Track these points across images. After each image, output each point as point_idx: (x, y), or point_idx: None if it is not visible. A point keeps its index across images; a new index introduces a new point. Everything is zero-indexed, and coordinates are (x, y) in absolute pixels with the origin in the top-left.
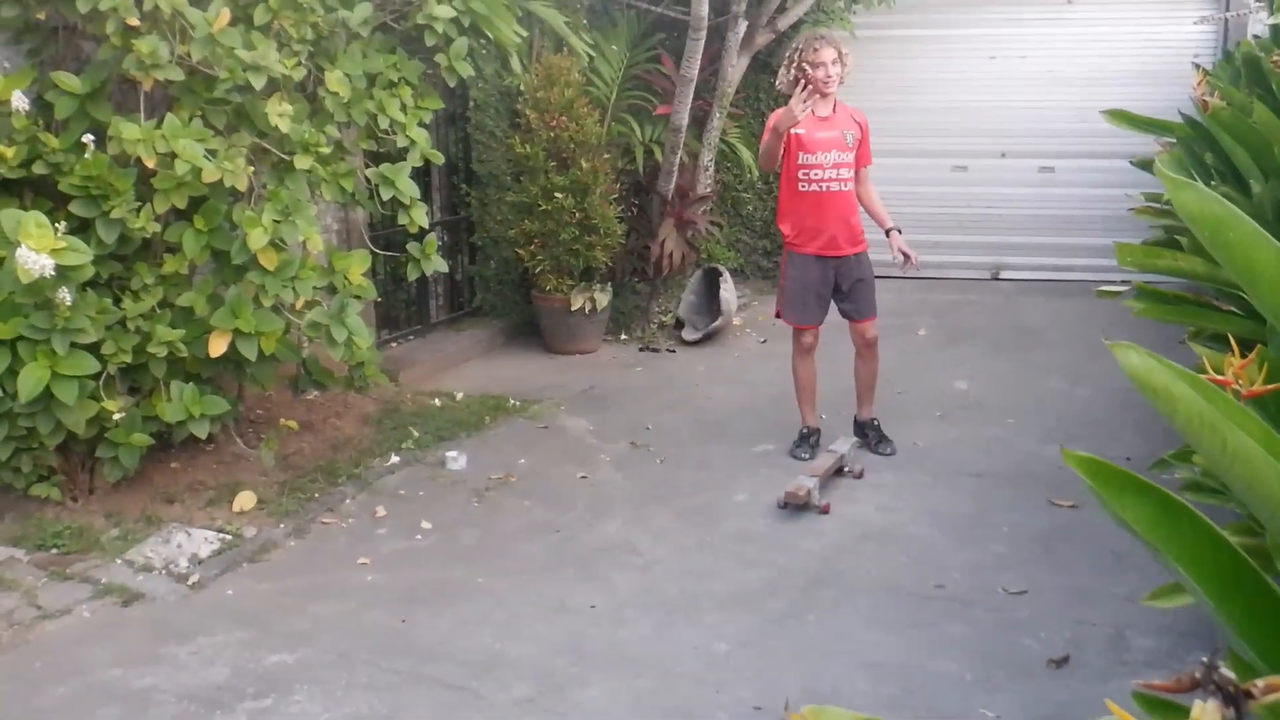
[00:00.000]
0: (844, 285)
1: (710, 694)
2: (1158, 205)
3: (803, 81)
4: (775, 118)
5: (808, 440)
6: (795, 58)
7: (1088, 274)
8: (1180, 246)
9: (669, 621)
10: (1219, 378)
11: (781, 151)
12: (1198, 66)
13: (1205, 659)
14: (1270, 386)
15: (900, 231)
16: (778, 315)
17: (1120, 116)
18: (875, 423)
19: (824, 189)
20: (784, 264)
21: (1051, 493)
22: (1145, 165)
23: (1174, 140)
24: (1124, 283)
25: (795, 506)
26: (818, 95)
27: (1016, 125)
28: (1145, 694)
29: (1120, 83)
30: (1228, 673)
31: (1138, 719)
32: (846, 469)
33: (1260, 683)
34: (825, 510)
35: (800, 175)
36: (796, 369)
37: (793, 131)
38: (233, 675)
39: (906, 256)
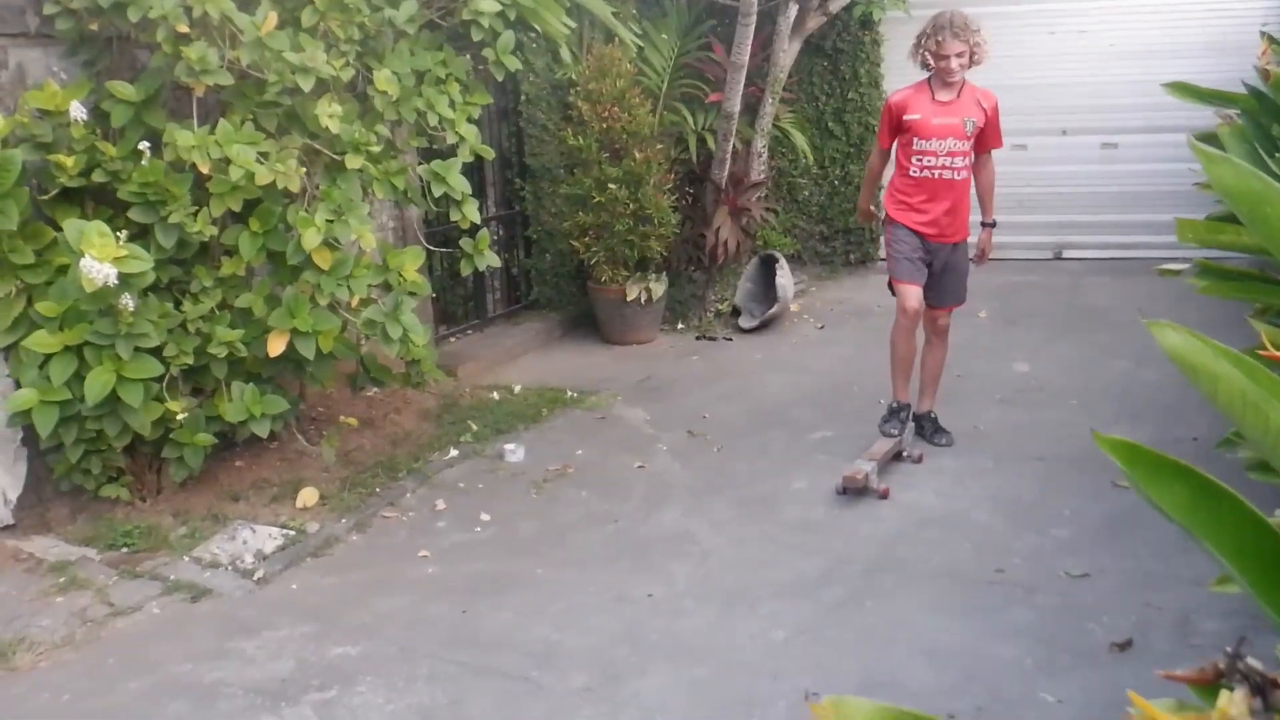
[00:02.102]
0: (935, 267)
1: (768, 683)
2: None
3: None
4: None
5: (897, 415)
6: (922, 41)
7: (1152, 251)
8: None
9: (727, 610)
10: (1277, 354)
11: (895, 137)
12: (1265, 35)
13: (1229, 649)
14: None
15: (994, 226)
16: (890, 286)
17: (1182, 89)
18: (933, 415)
19: (935, 176)
20: (888, 234)
21: (1116, 476)
22: (1209, 139)
23: (1236, 113)
24: (1186, 260)
25: (854, 491)
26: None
27: (1077, 101)
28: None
29: (1184, 55)
30: (1254, 662)
31: (1189, 703)
32: (905, 454)
33: None
34: (884, 494)
35: (913, 160)
36: (896, 340)
37: (907, 117)
38: (298, 668)
39: (982, 253)
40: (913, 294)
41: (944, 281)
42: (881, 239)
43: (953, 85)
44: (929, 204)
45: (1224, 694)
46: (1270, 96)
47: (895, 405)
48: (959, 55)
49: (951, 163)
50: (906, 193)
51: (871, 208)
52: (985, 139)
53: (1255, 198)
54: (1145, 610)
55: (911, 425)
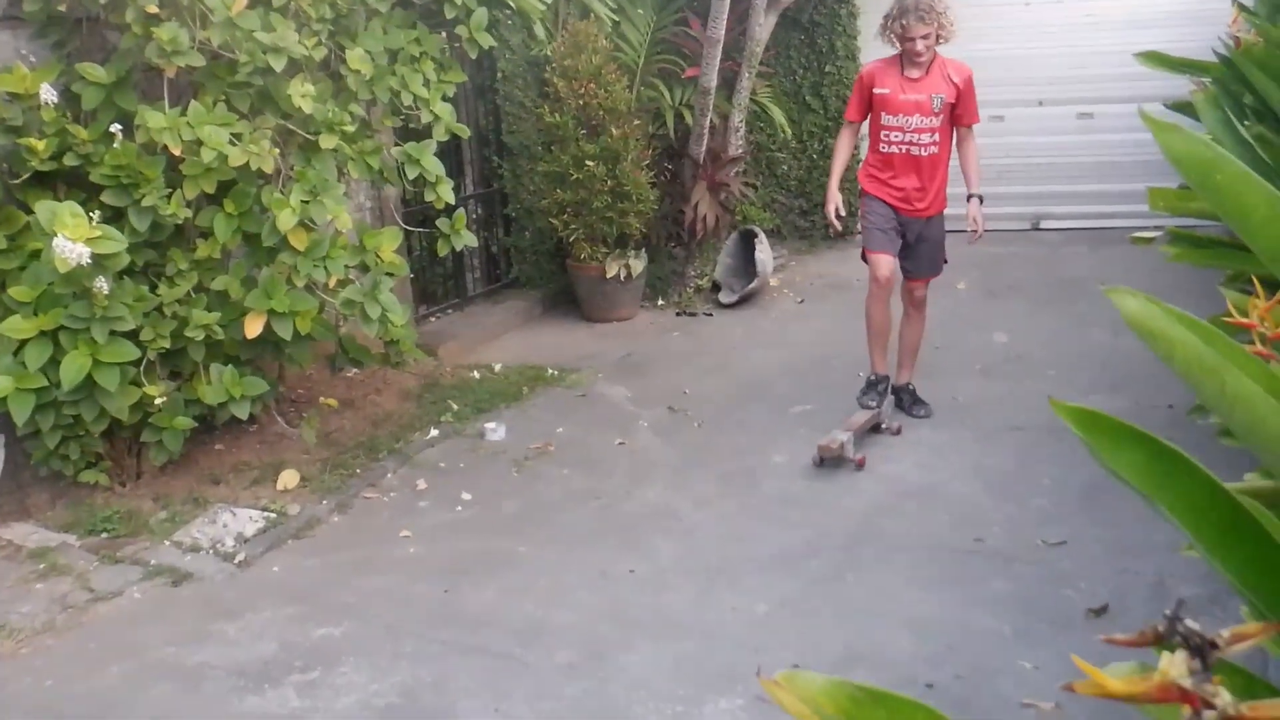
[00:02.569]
0: (909, 238)
1: (751, 656)
2: None
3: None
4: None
5: (875, 387)
6: (888, 23)
7: (1129, 221)
8: None
9: (710, 585)
10: (1243, 320)
11: (866, 111)
12: (1236, 3)
13: (1168, 612)
14: None
15: (982, 200)
16: (864, 257)
17: (1155, 58)
18: (911, 387)
19: (902, 152)
20: (862, 208)
21: None
22: (1181, 108)
23: (1209, 80)
24: (1159, 228)
25: (830, 460)
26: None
27: (1053, 72)
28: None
29: (1160, 24)
30: (1192, 624)
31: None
32: (884, 426)
33: (1225, 633)
34: (860, 464)
35: (882, 135)
36: (870, 311)
37: (876, 90)
38: (281, 649)
39: (975, 228)
40: (884, 263)
41: (918, 252)
42: (859, 212)
43: (921, 63)
44: (898, 179)
45: (1164, 655)
46: (1239, 64)
47: (873, 377)
48: (924, 37)
49: (919, 139)
50: (877, 167)
51: (835, 218)
52: (960, 114)
53: (1204, 165)
54: (1121, 576)
55: (890, 398)
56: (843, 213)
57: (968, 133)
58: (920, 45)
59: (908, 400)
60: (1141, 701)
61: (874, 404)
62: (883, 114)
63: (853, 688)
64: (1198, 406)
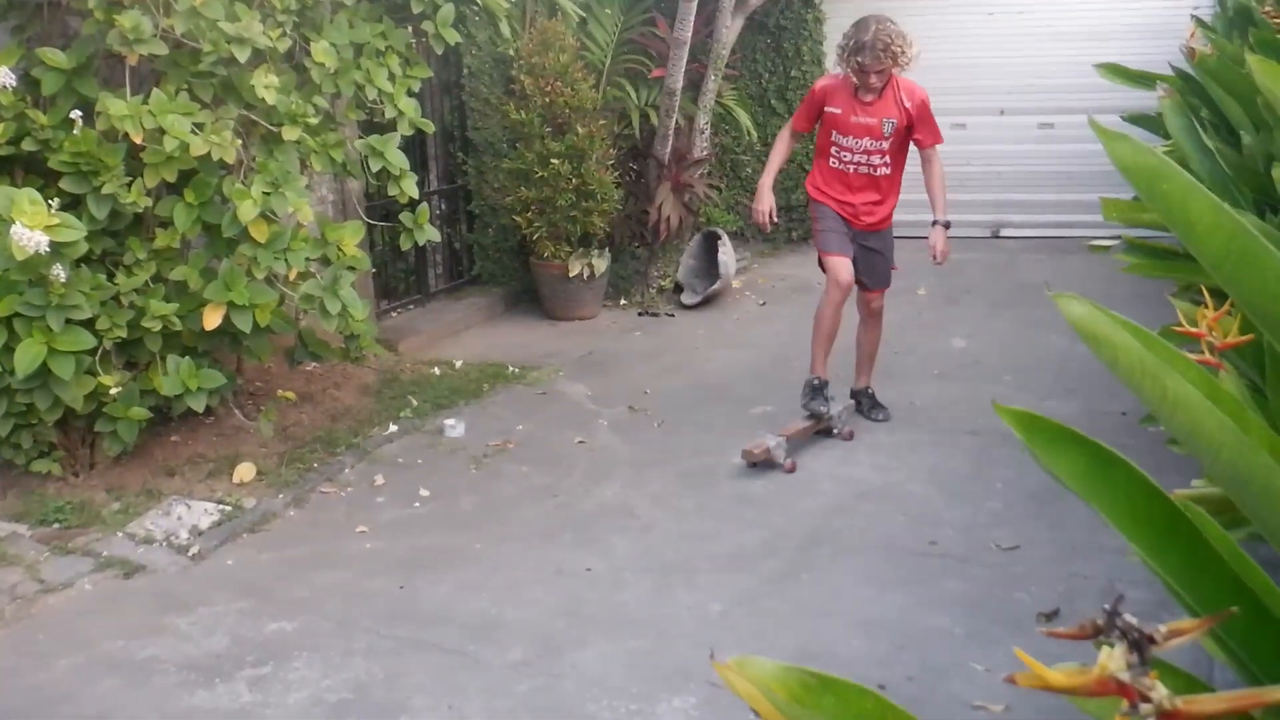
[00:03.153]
0: (858, 247)
1: (705, 654)
2: None
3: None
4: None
5: (821, 392)
6: (844, 55)
7: (1087, 230)
8: None
9: (666, 583)
10: (1192, 330)
11: (814, 124)
12: (1194, 18)
13: (1107, 606)
14: (1243, 339)
15: (948, 226)
16: (820, 261)
17: (1113, 70)
18: (870, 391)
19: (851, 170)
20: (813, 212)
21: None
22: (1137, 120)
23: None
24: (1115, 238)
25: (760, 464)
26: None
27: (1015, 82)
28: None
29: (1120, 37)
30: (1130, 619)
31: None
32: (836, 431)
33: (1163, 628)
34: (791, 469)
35: (831, 151)
36: (824, 314)
37: (828, 109)
38: (233, 644)
39: (935, 252)
40: (844, 266)
41: (872, 265)
42: (810, 215)
43: (875, 88)
44: (848, 194)
45: (1104, 649)
46: (1195, 76)
47: (816, 381)
48: (879, 73)
49: (869, 160)
50: (826, 181)
51: (768, 219)
52: (918, 137)
53: (1151, 174)
54: (1072, 580)
55: (850, 402)
56: (775, 218)
57: (931, 154)
58: (874, 80)
59: (866, 404)
60: (1081, 694)
61: (823, 409)
62: (833, 132)
63: (803, 673)
64: (1149, 414)
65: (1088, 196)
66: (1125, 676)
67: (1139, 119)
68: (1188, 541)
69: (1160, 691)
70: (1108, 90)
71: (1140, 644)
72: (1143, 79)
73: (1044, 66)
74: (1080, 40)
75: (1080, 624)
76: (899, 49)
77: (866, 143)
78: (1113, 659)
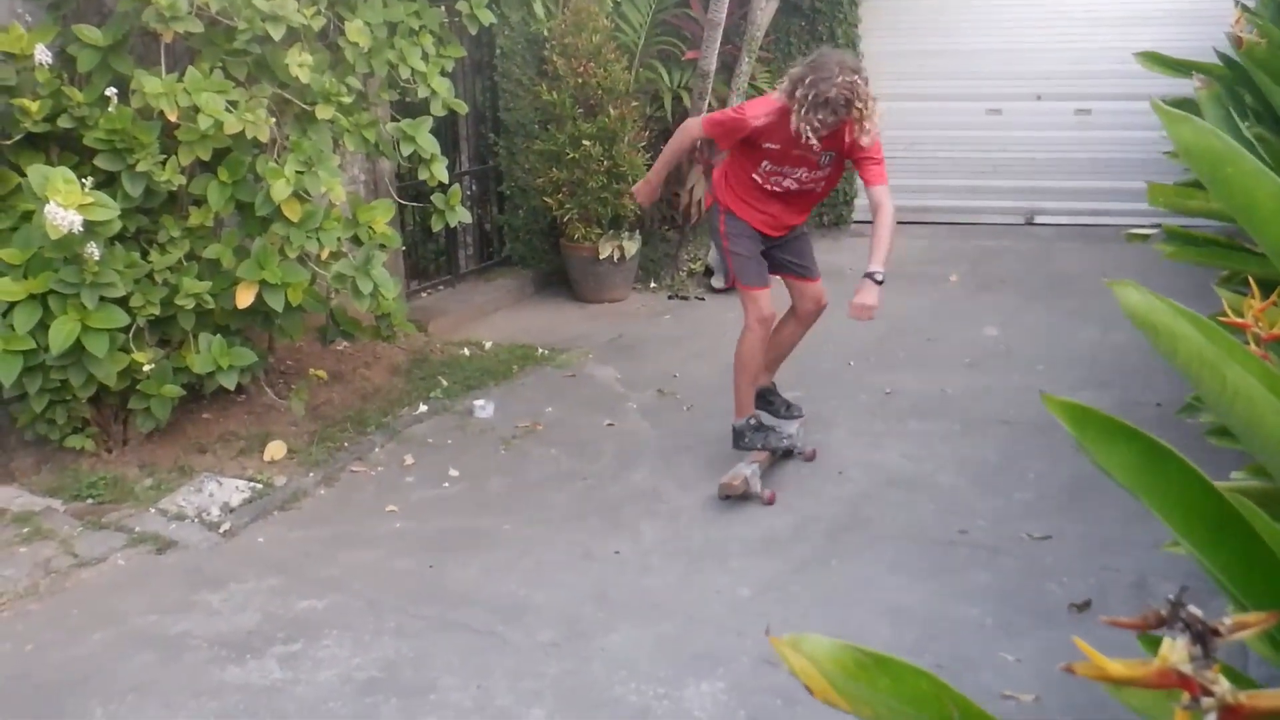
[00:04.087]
0: (776, 245)
1: (733, 639)
2: None
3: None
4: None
5: (765, 426)
6: (804, 110)
7: (1123, 219)
8: None
9: (694, 568)
10: (1238, 320)
11: (736, 138)
12: (1239, 4)
13: (1171, 597)
14: None
15: (879, 283)
16: (731, 284)
17: (1152, 58)
18: (774, 385)
19: (783, 188)
20: (723, 225)
21: None
22: (1181, 105)
23: (1212, 79)
24: (1154, 226)
25: (735, 497)
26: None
27: (1053, 67)
28: (1151, 636)
29: (1161, 22)
30: (1195, 610)
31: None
32: (797, 451)
33: (1228, 620)
34: (770, 501)
35: (758, 171)
36: (750, 354)
37: (765, 144)
38: (264, 621)
39: (858, 306)
40: (767, 299)
41: (802, 249)
42: (721, 231)
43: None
44: (773, 203)
45: (1166, 641)
46: (1242, 64)
47: (755, 422)
48: (832, 136)
49: (801, 185)
50: (753, 196)
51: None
52: (865, 176)
53: (1215, 157)
54: (1103, 573)
55: (799, 419)
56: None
57: (880, 195)
58: (818, 145)
59: (780, 403)
60: (1141, 686)
61: (786, 440)
62: (765, 161)
63: (859, 652)
64: (1187, 405)
65: (1124, 184)
66: (1188, 669)
67: (1182, 104)
68: (1238, 536)
69: (1223, 685)
70: (1147, 77)
71: (1204, 636)
72: (1182, 67)
73: (1082, 52)
74: (1120, 25)
75: (1143, 614)
76: (862, 107)
77: (801, 173)
78: (1174, 651)
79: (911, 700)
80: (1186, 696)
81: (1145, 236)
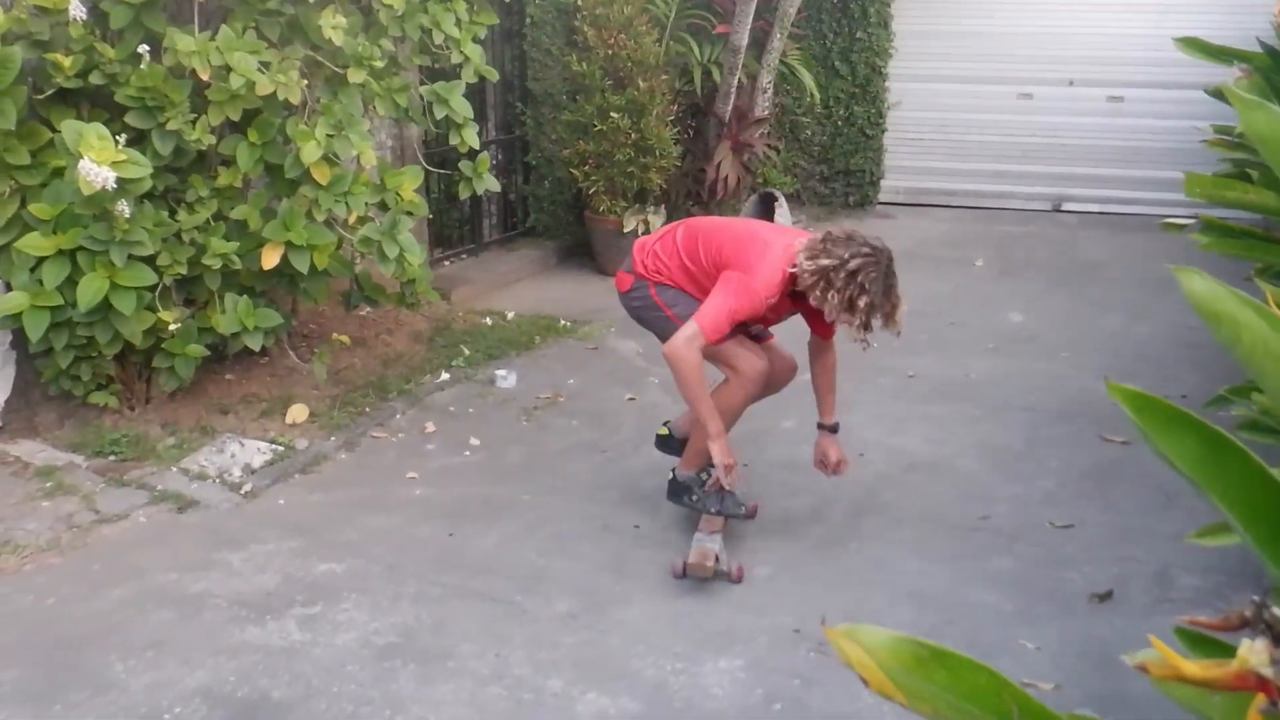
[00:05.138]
0: None
1: (751, 617)
2: (1229, 138)
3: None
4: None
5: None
6: (847, 304)
7: (1153, 208)
8: (1251, 180)
9: None
10: None
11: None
12: None
13: (1256, 598)
14: None
15: (835, 432)
16: (714, 338)
17: (1194, 45)
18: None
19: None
20: (657, 295)
21: (1103, 429)
22: (1220, 95)
23: (1249, 68)
24: (1192, 217)
25: (699, 579)
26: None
27: (1085, 52)
28: (1188, 630)
29: (1198, 10)
30: (1279, 612)
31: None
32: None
33: None
34: (739, 577)
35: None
36: (740, 403)
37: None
38: (283, 582)
39: (826, 462)
40: (756, 351)
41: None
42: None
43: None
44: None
45: (1245, 642)
46: None
47: (705, 475)
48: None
49: (773, 319)
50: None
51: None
52: (816, 327)
53: None
54: (1125, 563)
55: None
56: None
57: (827, 346)
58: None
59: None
60: (1217, 688)
61: (743, 510)
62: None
63: (916, 644)
64: (1217, 398)
65: (1156, 173)
66: (1268, 672)
67: (1222, 94)
68: None
69: None
70: (1182, 65)
71: None
72: (1224, 54)
73: (1116, 38)
74: (1155, 12)
75: (1226, 615)
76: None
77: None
78: (1254, 653)
79: (970, 695)
80: (1263, 699)
81: (1181, 226)
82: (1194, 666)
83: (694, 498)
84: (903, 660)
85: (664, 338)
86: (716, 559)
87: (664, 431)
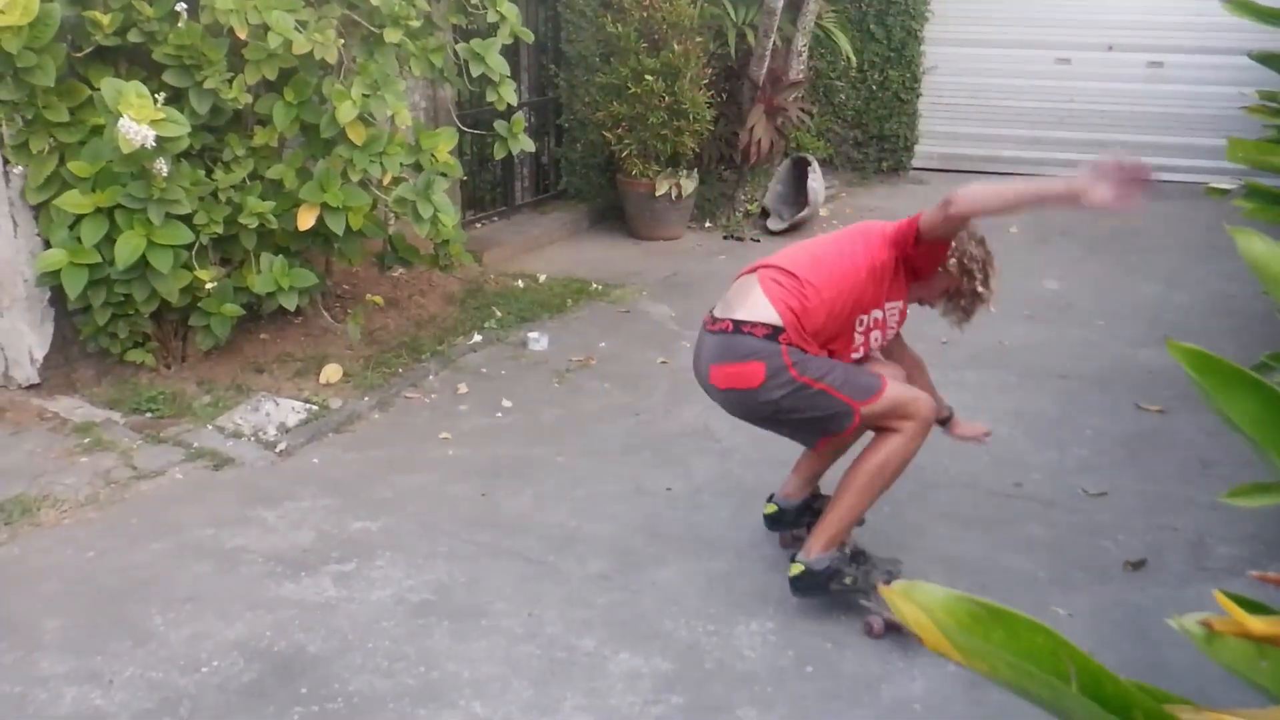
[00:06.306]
0: None
1: (783, 580)
2: (1273, 104)
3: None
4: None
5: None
6: (974, 278)
7: (1193, 175)
8: None
9: (745, 507)
10: None
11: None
12: None
13: None
14: None
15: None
16: (855, 419)
17: (1244, 7)
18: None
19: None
20: (792, 365)
21: (1139, 397)
22: (1266, 59)
23: None
24: (1239, 184)
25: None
26: None
27: (1125, 17)
28: (1230, 595)
29: None
30: None
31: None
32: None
33: None
34: (879, 633)
35: (863, 319)
36: (906, 462)
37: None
38: (318, 539)
39: (980, 436)
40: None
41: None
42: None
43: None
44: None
45: None
46: None
47: (849, 551)
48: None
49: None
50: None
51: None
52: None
53: None
54: (1160, 531)
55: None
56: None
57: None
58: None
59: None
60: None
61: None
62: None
63: (973, 603)
64: (1259, 364)
65: (1195, 140)
66: None
67: (1269, 58)
68: None
69: None
70: (1223, 29)
71: None
72: (1274, 16)
73: (1156, 2)
74: None
75: None
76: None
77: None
78: None
79: (1027, 654)
80: None
81: (1225, 191)
82: (1260, 623)
83: (848, 580)
84: (959, 619)
85: (824, 433)
86: (885, 622)
87: (771, 509)
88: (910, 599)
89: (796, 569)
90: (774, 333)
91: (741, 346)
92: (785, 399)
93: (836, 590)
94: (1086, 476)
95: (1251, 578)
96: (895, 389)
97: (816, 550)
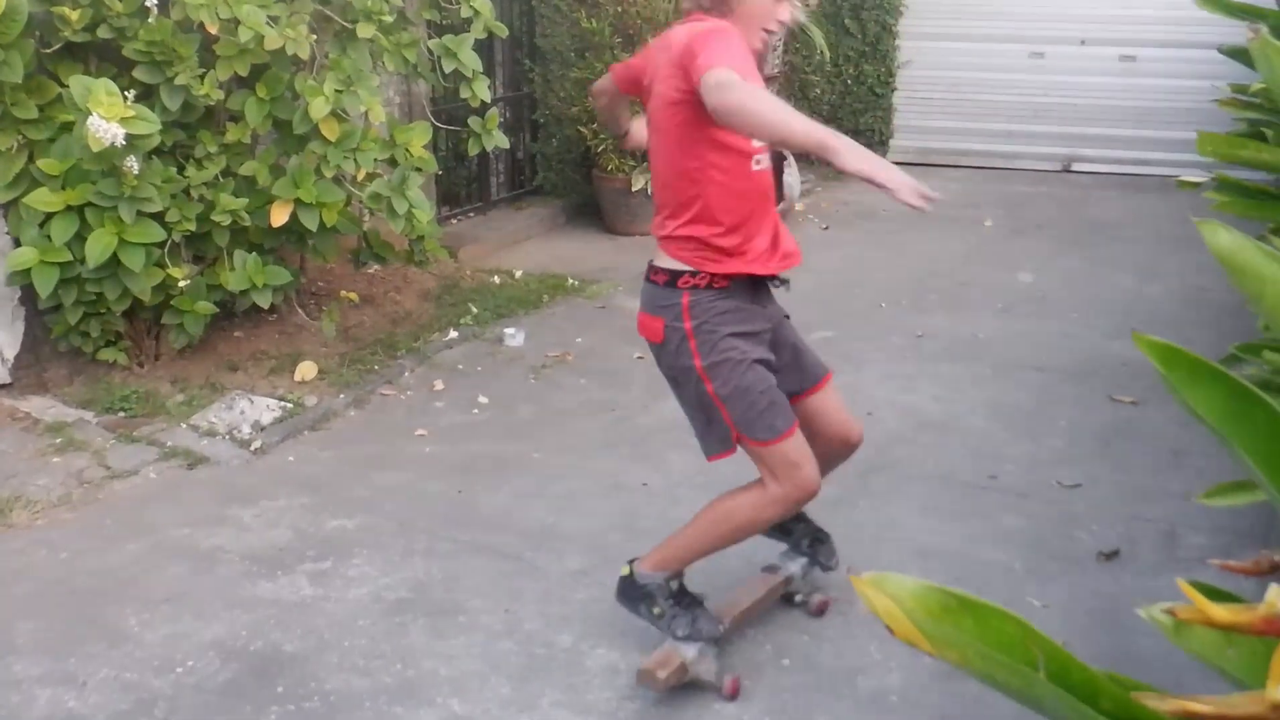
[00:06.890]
0: (779, 337)
1: (759, 572)
2: (1243, 97)
3: None
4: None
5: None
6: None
7: (1165, 169)
8: (1266, 139)
9: None
10: None
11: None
12: None
13: None
14: None
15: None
16: (736, 440)
17: (1214, 2)
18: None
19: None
20: (691, 323)
21: (1113, 389)
22: (1235, 53)
23: (1262, 27)
24: (1211, 178)
25: (665, 687)
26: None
27: (1098, 11)
28: (1199, 584)
29: None
30: None
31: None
32: (798, 597)
33: None
34: (733, 693)
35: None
36: (763, 521)
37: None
38: (294, 538)
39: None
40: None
41: (798, 348)
42: (709, 366)
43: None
44: (771, 209)
45: (1273, 588)
46: None
47: (675, 586)
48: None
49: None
50: (748, 205)
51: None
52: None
53: None
54: (1133, 522)
55: (802, 559)
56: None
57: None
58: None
59: (803, 532)
60: (1243, 632)
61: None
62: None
63: (943, 593)
64: (1229, 356)
65: (1168, 134)
66: None
67: (1238, 52)
68: None
69: None
70: (1195, 24)
71: None
72: (1245, 11)
73: None
74: None
75: (1255, 560)
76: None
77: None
78: None
79: (997, 643)
80: None
81: (1196, 184)
82: (1222, 611)
83: (656, 610)
84: (930, 609)
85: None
86: (684, 666)
87: (626, 571)
88: (881, 589)
89: (625, 570)
90: (673, 277)
91: (646, 293)
92: (678, 372)
93: (643, 614)
94: (1061, 468)
95: (1213, 566)
96: (793, 450)
97: (649, 564)
